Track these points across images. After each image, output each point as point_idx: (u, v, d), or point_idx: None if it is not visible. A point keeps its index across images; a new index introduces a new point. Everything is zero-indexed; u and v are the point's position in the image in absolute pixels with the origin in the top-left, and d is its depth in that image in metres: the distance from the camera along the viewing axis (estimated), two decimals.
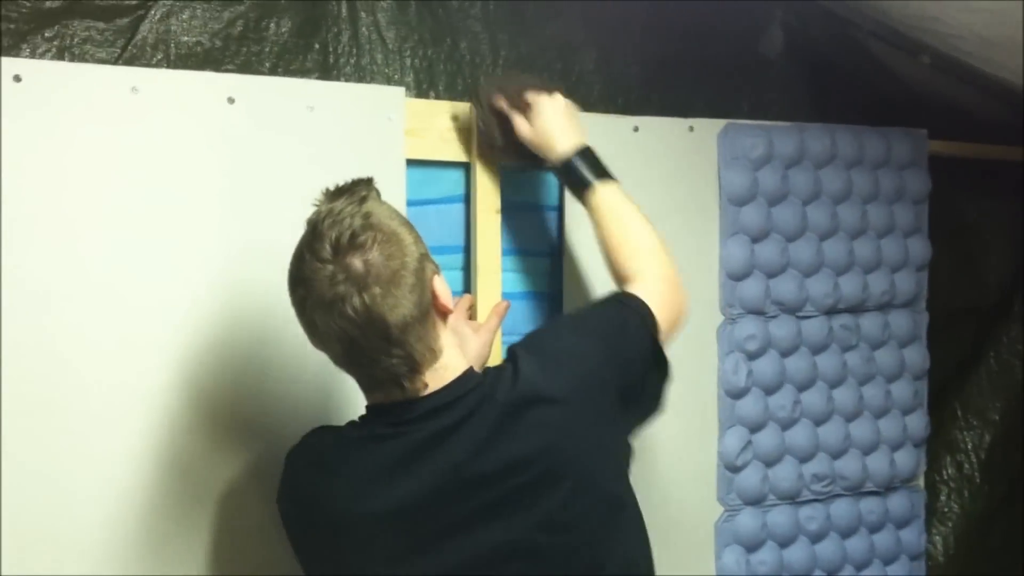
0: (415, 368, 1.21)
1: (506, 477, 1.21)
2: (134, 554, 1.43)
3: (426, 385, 1.23)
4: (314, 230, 1.19)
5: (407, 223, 1.24)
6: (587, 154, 1.57)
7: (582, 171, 1.56)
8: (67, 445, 1.38)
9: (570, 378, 1.27)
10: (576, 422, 1.25)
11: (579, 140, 1.58)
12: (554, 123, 1.59)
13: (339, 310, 1.16)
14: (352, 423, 1.30)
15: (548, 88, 1.63)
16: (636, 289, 1.43)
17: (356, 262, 1.16)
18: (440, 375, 1.24)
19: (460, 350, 1.30)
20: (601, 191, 1.54)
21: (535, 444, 1.22)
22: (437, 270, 1.25)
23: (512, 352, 1.32)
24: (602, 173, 1.56)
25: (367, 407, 1.29)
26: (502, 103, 1.62)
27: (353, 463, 1.24)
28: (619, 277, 1.50)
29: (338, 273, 1.15)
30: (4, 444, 1.34)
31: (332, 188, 1.22)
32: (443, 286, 1.24)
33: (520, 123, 1.61)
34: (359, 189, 1.22)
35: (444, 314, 1.25)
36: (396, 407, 1.24)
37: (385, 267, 1.17)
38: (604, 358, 1.31)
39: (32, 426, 1.36)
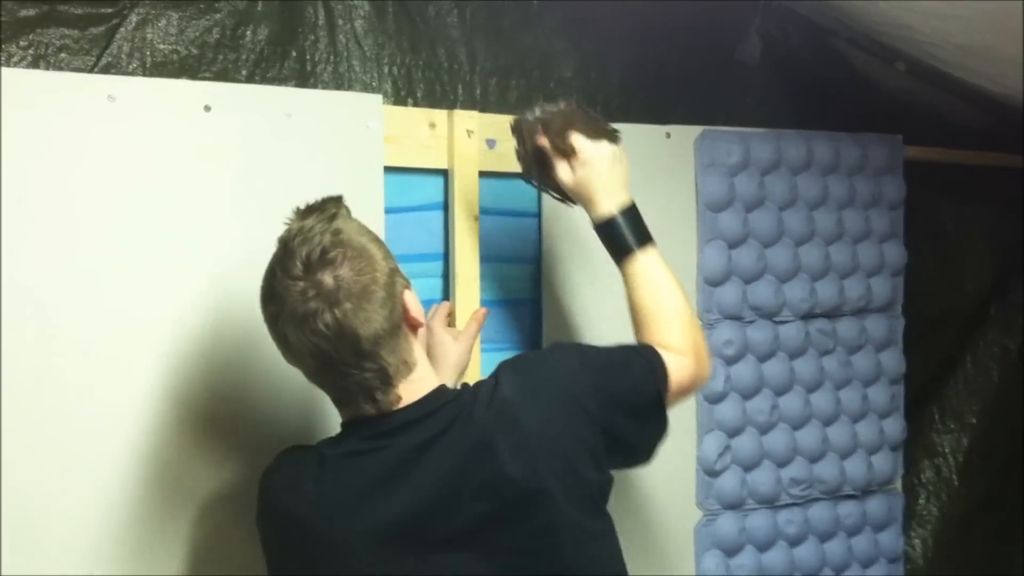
0: (388, 381, 1.22)
1: (481, 501, 1.21)
2: (123, 555, 1.42)
3: (400, 398, 1.23)
4: (285, 247, 1.21)
5: (376, 239, 1.26)
6: (631, 215, 1.51)
7: (625, 235, 1.50)
8: (57, 449, 1.38)
9: (549, 406, 1.27)
10: (550, 450, 1.24)
11: (624, 199, 1.51)
12: (599, 177, 1.51)
13: (311, 326, 1.17)
14: (327, 440, 1.30)
15: (597, 129, 1.53)
16: (660, 347, 1.42)
17: (327, 278, 1.17)
18: (414, 388, 1.25)
19: (432, 364, 1.31)
20: (641, 258, 1.49)
21: (509, 469, 1.21)
22: (407, 284, 1.26)
23: (498, 369, 1.33)
24: (644, 238, 1.51)
25: (342, 423, 1.29)
26: (544, 143, 1.54)
27: (330, 481, 1.24)
28: (649, 337, 1.47)
29: (309, 289, 1.17)
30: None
31: (302, 206, 1.24)
32: (414, 300, 1.26)
33: (562, 168, 1.53)
34: (329, 207, 1.23)
35: (415, 327, 1.26)
36: (371, 421, 1.24)
37: (355, 282, 1.18)
38: (593, 392, 1.30)
39: (23, 431, 1.35)
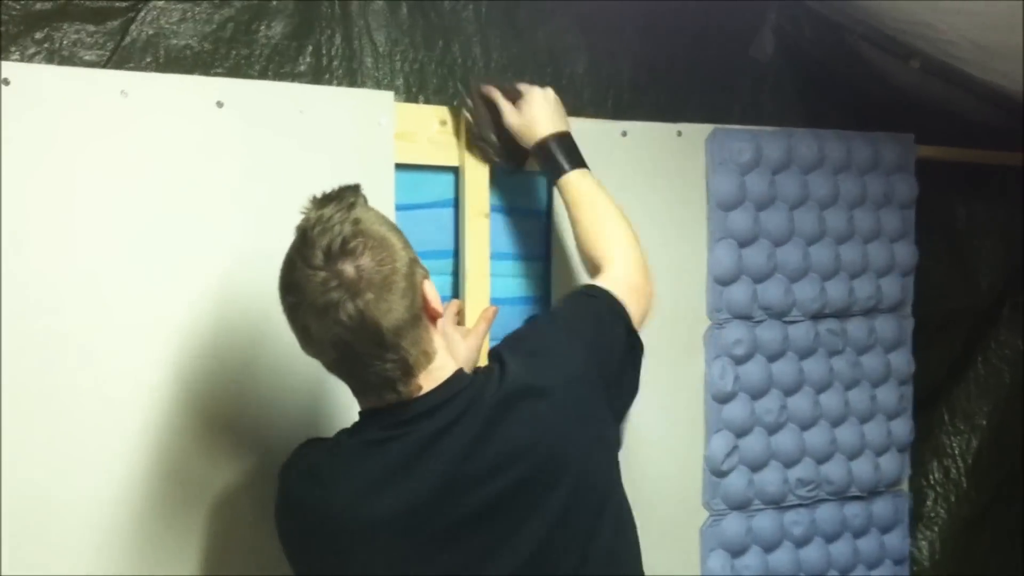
0: (409, 372, 1.22)
1: (503, 475, 1.22)
2: (129, 555, 1.44)
3: (420, 388, 1.24)
4: (304, 237, 1.19)
5: (395, 228, 1.25)
6: (565, 140, 1.61)
7: (558, 156, 1.60)
8: (64, 448, 1.39)
9: (556, 372, 1.29)
10: (567, 414, 1.27)
11: (560, 127, 1.62)
12: (541, 110, 1.63)
13: (333, 316, 1.16)
14: (344, 431, 1.30)
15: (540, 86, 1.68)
16: (604, 276, 1.48)
17: (348, 268, 1.16)
18: (434, 376, 1.25)
19: (450, 352, 1.31)
20: (574, 177, 1.58)
21: (529, 438, 1.23)
22: (426, 274, 1.26)
23: (495, 353, 1.34)
24: (577, 161, 1.60)
25: (360, 412, 1.29)
26: (493, 91, 1.67)
27: (350, 471, 1.24)
28: (589, 260, 1.55)
29: (331, 280, 1.16)
30: (3, 446, 1.35)
31: (320, 195, 1.23)
32: (432, 290, 1.25)
33: (508, 110, 1.65)
34: (347, 195, 1.22)
35: (434, 318, 1.26)
36: (390, 410, 1.24)
37: (377, 272, 1.17)
38: (586, 352, 1.33)
39: (29, 429, 1.37)
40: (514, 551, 1.23)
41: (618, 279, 1.46)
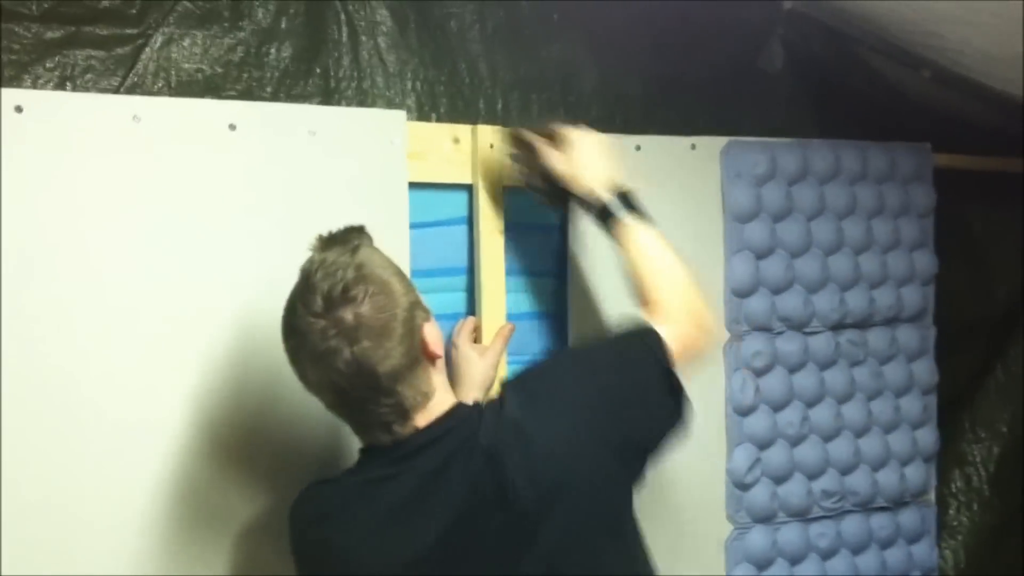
0: (405, 415, 1.23)
1: (499, 513, 1.21)
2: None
3: (416, 426, 1.24)
4: (307, 281, 1.21)
5: (399, 271, 1.26)
6: (626, 196, 1.53)
7: (622, 213, 1.51)
8: (82, 474, 1.39)
9: (556, 417, 1.26)
10: (561, 460, 1.24)
11: (615, 179, 1.54)
12: (590, 159, 1.55)
13: (329, 362, 1.18)
14: (348, 470, 1.31)
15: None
16: (656, 320, 1.41)
17: (347, 315, 1.17)
18: (431, 413, 1.25)
19: (457, 381, 1.32)
20: (634, 224, 1.51)
21: (519, 483, 1.21)
22: (428, 316, 1.26)
23: (503, 388, 1.33)
24: (639, 214, 1.52)
25: (360, 449, 1.30)
26: (529, 135, 1.61)
27: (354, 512, 1.25)
28: (644, 305, 1.47)
29: (329, 328, 1.17)
30: (19, 470, 1.34)
31: (326, 235, 1.24)
32: (433, 332, 1.26)
33: (555, 158, 1.57)
34: (352, 238, 1.24)
35: (434, 359, 1.27)
36: (387, 449, 1.25)
37: (375, 319, 1.18)
38: (598, 393, 1.30)
39: (46, 462, 1.36)
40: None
41: (672, 322, 1.41)
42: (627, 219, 1.50)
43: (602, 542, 1.27)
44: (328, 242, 1.23)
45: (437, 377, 1.27)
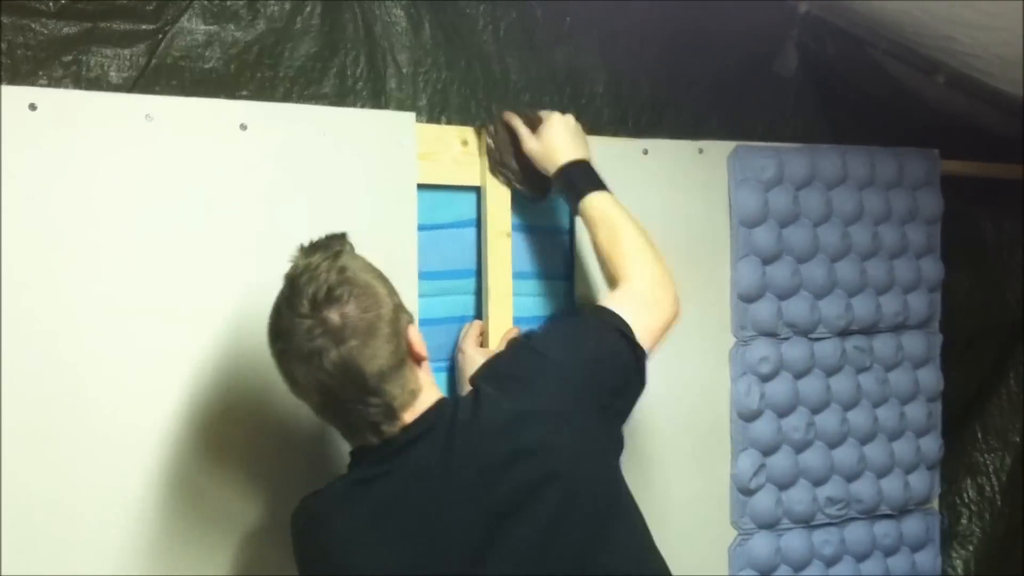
0: (393, 414, 1.25)
1: (487, 495, 1.22)
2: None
3: (404, 425, 1.26)
4: (292, 285, 1.23)
5: (381, 275, 1.27)
6: (583, 166, 1.60)
7: (577, 181, 1.59)
8: (81, 474, 1.40)
9: (535, 389, 1.29)
10: (547, 430, 1.26)
11: (581, 154, 1.62)
12: (560, 137, 1.63)
13: (316, 363, 1.19)
14: (339, 476, 1.32)
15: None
16: (618, 291, 1.47)
17: (333, 316, 1.19)
18: (417, 410, 1.27)
19: (436, 387, 1.32)
20: (592, 199, 1.57)
21: (508, 455, 1.23)
22: (411, 319, 1.28)
23: (477, 380, 1.35)
24: (596, 184, 1.59)
25: (351, 452, 1.31)
26: (513, 118, 1.68)
27: (347, 514, 1.26)
28: (608, 279, 1.54)
29: (316, 327, 1.19)
30: (19, 469, 1.36)
31: (307, 243, 1.26)
32: (417, 335, 1.28)
33: (527, 136, 1.65)
34: (333, 244, 1.26)
35: (419, 361, 1.28)
36: (375, 448, 1.26)
37: (361, 320, 1.20)
38: (572, 364, 1.33)
39: (46, 462, 1.38)
40: (505, 560, 1.23)
41: (633, 293, 1.46)
42: (587, 189, 1.57)
43: (603, 519, 1.28)
44: (311, 249, 1.25)
45: (423, 376, 1.29)
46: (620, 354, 1.38)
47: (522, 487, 1.23)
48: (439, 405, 1.28)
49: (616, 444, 1.37)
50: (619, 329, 1.39)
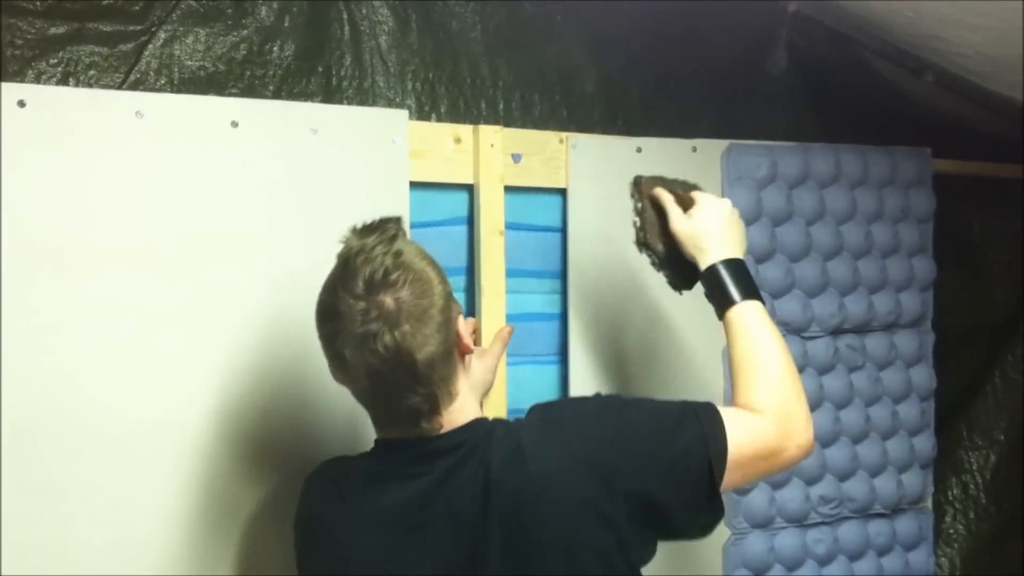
0: (435, 408, 1.22)
1: (488, 534, 1.20)
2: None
3: (441, 426, 1.24)
4: (346, 265, 1.20)
5: (434, 263, 1.25)
6: (738, 267, 1.47)
7: (727, 284, 1.45)
8: (85, 472, 1.39)
9: (561, 461, 1.22)
10: (551, 503, 1.21)
11: (734, 251, 1.49)
12: (714, 224, 1.50)
13: (370, 346, 1.17)
14: (366, 455, 1.30)
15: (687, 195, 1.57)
16: (735, 409, 1.34)
17: (388, 300, 1.17)
18: (454, 417, 1.25)
19: (472, 397, 1.30)
20: (740, 310, 1.44)
21: (512, 506, 1.20)
22: (460, 310, 1.27)
23: (530, 410, 1.31)
24: (749, 291, 1.45)
25: (377, 441, 1.29)
26: (664, 195, 1.56)
27: (366, 498, 1.25)
28: (734, 391, 1.40)
29: (371, 310, 1.17)
30: (19, 469, 1.34)
31: (361, 224, 1.23)
32: (465, 326, 1.26)
33: (678, 218, 1.53)
34: (389, 227, 1.23)
35: (464, 354, 1.27)
36: (408, 443, 1.24)
37: (415, 305, 1.18)
38: (618, 455, 1.23)
39: (49, 454, 1.37)
40: None
41: (750, 420, 1.32)
42: (736, 297, 1.44)
43: None
44: (366, 230, 1.22)
45: (463, 380, 1.27)
46: (693, 462, 1.25)
47: (520, 536, 1.20)
48: (475, 424, 1.25)
49: (640, 542, 1.26)
50: (704, 446, 1.26)
